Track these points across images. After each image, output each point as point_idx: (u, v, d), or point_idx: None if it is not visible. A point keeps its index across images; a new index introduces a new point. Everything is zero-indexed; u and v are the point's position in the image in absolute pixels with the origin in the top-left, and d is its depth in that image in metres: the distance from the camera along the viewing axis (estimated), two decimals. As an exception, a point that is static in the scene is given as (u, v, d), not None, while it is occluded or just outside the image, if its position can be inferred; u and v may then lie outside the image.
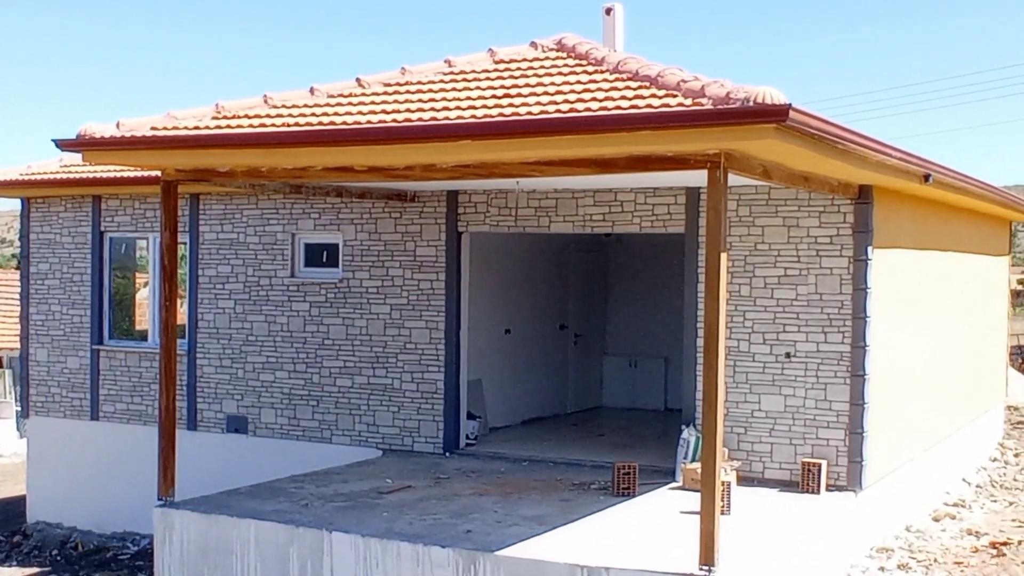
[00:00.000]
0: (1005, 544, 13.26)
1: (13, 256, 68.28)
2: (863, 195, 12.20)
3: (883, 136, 10.49)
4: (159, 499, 11.74)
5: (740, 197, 12.64)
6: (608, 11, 14.31)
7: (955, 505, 15.30)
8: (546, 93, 10.03)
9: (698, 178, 10.67)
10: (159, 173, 11.76)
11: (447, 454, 14.39)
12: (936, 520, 14.40)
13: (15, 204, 18.47)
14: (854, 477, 12.24)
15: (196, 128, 11.05)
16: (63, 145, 11.35)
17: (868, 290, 12.20)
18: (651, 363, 19.10)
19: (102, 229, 17.11)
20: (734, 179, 9.90)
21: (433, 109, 10.16)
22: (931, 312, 15.07)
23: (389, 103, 10.80)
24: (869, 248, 12.20)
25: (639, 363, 19.26)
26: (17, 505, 19.14)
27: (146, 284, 17.59)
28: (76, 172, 16.56)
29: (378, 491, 12.16)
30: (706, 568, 8.96)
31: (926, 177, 12.03)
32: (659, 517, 11.01)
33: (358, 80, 11.77)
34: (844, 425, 12.29)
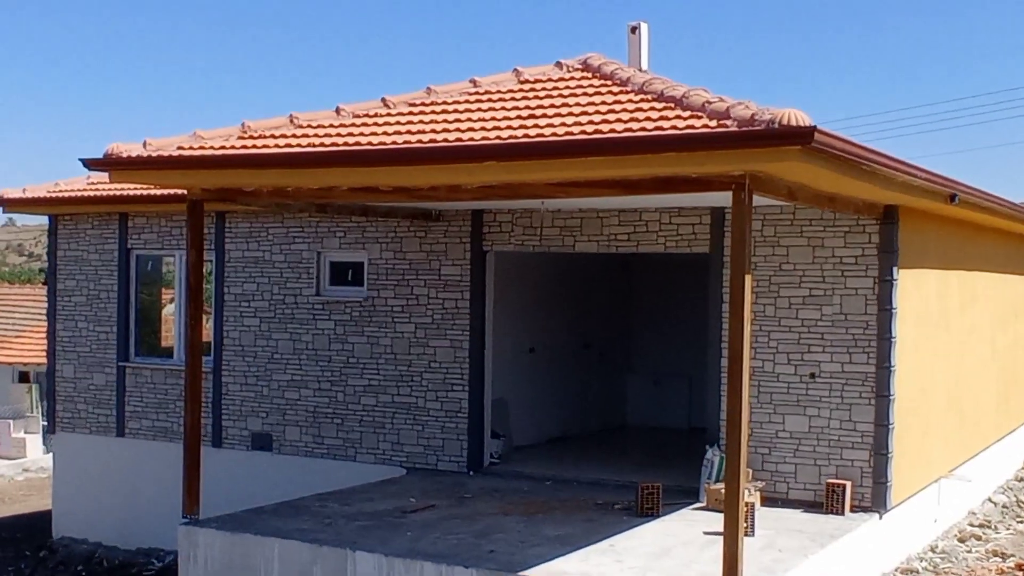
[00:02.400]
0: (1032, 566, 13.15)
1: (41, 271, 68.74)
2: (889, 215, 12.17)
3: (909, 155, 10.47)
4: (184, 517, 11.79)
5: (765, 217, 12.62)
6: (633, 29, 14.34)
7: (981, 526, 15.19)
8: (571, 114, 10.05)
9: (723, 198, 10.65)
10: (185, 191, 11.83)
11: (471, 473, 14.40)
12: (961, 541, 14.31)
13: (44, 219, 18.62)
14: (879, 498, 12.19)
15: (222, 148, 11.12)
16: (90, 164, 11.44)
17: (893, 310, 12.15)
18: (675, 381, 19.06)
19: (128, 246, 17.22)
20: (759, 199, 9.89)
21: (458, 130, 10.20)
22: (957, 332, 15.00)
23: (414, 123, 10.85)
24: (895, 268, 12.16)
25: (663, 381, 19.23)
26: (43, 520, 19.24)
27: (172, 300, 17.70)
28: (103, 190, 16.68)
29: (402, 510, 12.17)
30: (730, 590, 8.92)
31: (952, 197, 11.99)
32: (683, 538, 10.98)
33: (383, 100, 11.83)
34: (869, 446, 12.24)
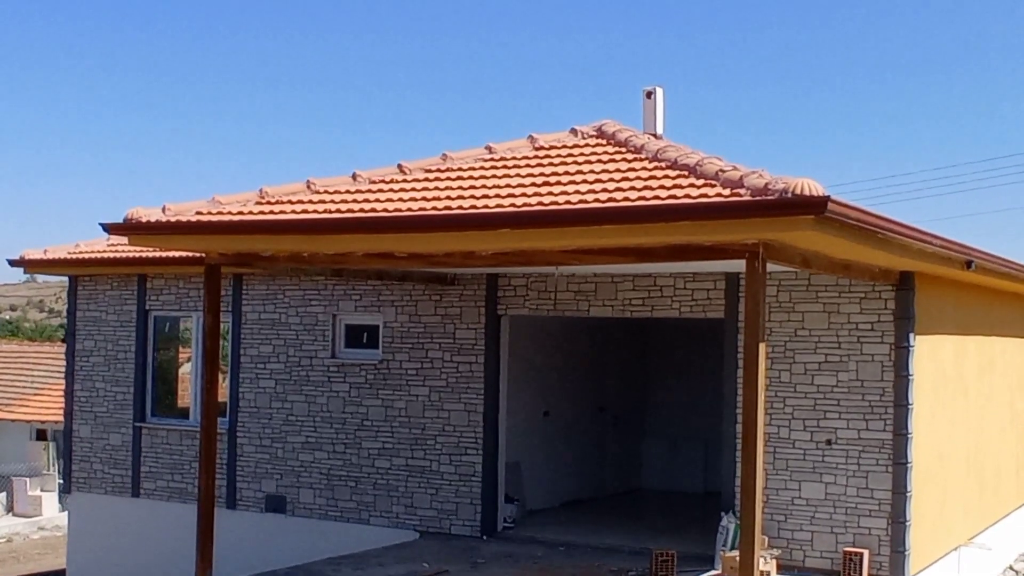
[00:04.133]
0: (1053, 638, 12.97)
1: (61, 327, 69.04)
2: (904, 281, 12.15)
3: (923, 217, 10.52)
4: (196, 581, 11.74)
5: (780, 283, 12.62)
6: (648, 94, 14.40)
7: (1002, 595, 15.01)
8: (585, 181, 10.09)
9: (738, 264, 10.66)
10: (203, 254, 11.90)
11: (484, 537, 14.32)
12: (982, 611, 14.13)
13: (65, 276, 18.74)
14: (897, 567, 12.06)
15: (240, 213, 11.17)
16: (111, 229, 11.50)
17: (910, 377, 12.10)
18: (691, 445, 18.95)
19: (147, 307, 17.31)
20: (774, 265, 9.90)
21: (473, 197, 10.25)
22: (976, 398, 14.90)
23: (430, 190, 10.91)
24: (911, 335, 12.12)
25: (678, 445, 19.13)
26: (57, 580, 19.21)
27: (189, 359, 17.75)
28: (122, 251, 16.78)
29: (414, 575, 12.10)
30: (744, 663, 8.82)
31: (968, 264, 11.97)
32: (698, 607, 10.88)
33: (400, 166, 11.90)
34: (886, 514, 12.14)
